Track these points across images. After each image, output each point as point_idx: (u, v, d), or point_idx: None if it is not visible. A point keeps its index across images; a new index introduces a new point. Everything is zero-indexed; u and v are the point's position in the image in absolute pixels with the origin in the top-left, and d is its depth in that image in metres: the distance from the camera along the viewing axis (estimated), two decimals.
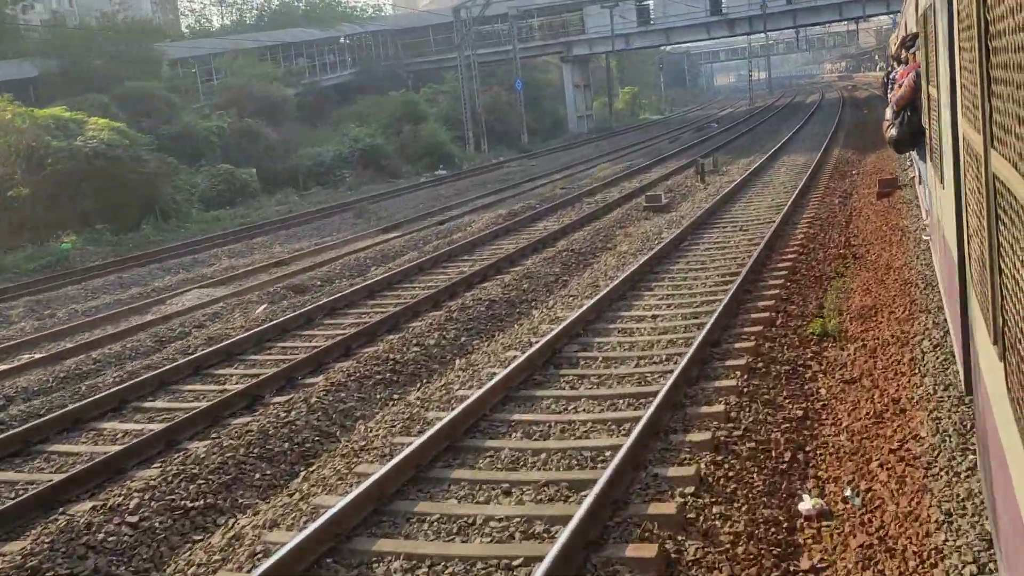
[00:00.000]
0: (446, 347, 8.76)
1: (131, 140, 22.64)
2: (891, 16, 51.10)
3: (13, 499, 6.02)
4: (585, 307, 9.02)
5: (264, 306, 11.32)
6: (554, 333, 8.15)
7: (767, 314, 8.49)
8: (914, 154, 10.30)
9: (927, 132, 6.78)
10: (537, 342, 8.03)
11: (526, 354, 7.58)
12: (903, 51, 8.79)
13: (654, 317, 8.94)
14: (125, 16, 37.36)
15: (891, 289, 8.99)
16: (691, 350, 7.19)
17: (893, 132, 8.20)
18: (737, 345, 7.62)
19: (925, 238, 9.99)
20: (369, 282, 12.45)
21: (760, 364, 7.16)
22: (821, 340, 7.94)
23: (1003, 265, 2.28)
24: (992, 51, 2.17)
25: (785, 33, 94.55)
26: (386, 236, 18.54)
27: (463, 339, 9.00)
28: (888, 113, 8.57)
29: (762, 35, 68.57)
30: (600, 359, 7.77)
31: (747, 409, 6.26)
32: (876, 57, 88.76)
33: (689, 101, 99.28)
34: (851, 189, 17.26)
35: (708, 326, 7.83)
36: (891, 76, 10.27)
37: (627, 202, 18.48)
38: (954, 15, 3.58)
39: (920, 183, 10.18)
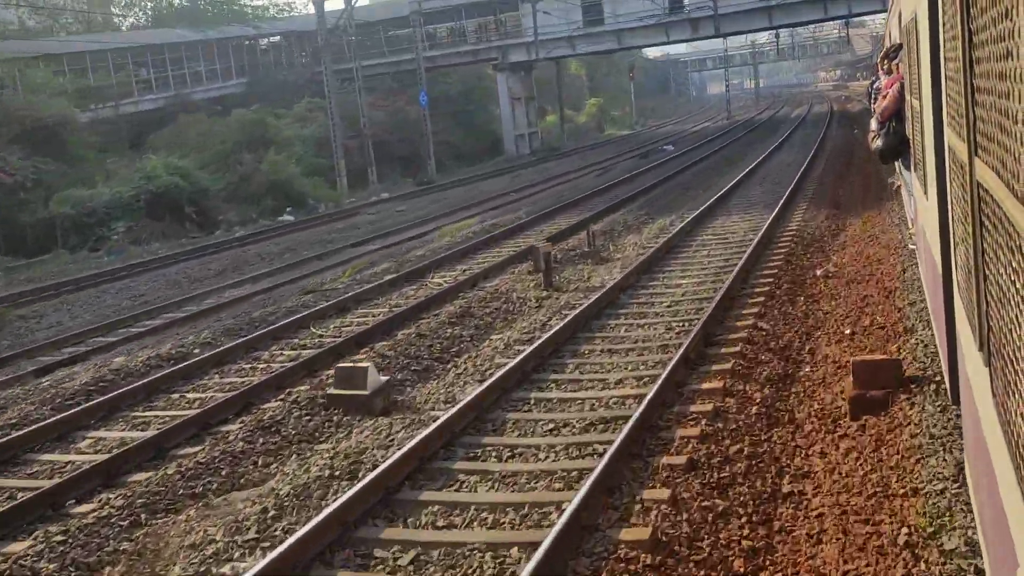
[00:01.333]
0: None
1: None
2: (885, 17, 42.28)
3: None
4: None
5: None
6: None
7: None
8: (898, 164, 9.70)
9: (911, 141, 6.95)
10: None
11: None
12: (887, 61, 8.67)
13: None
14: None
15: None
16: None
17: (879, 143, 8.20)
18: None
19: (911, 247, 9.52)
20: None
21: None
22: None
23: (988, 272, 2.29)
24: (975, 60, 2.20)
25: (775, 40, 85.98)
26: None
27: None
28: (873, 124, 8.58)
29: (749, 41, 59.52)
30: None
31: None
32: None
33: (671, 113, 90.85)
34: (802, 341, 7.95)
35: None
36: (875, 86, 9.74)
37: (348, 350, 9.14)
38: (939, 26, 3.60)
39: (909, 193, 9.30)
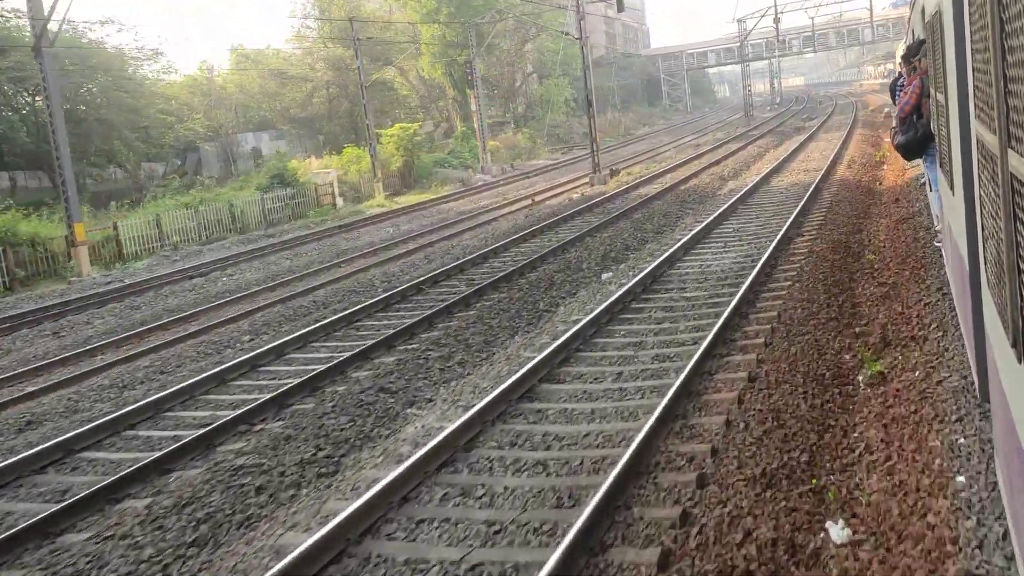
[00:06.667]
0: None
1: None
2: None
3: None
4: None
5: None
6: None
7: None
8: (921, 161, 9.57)
9: (936, 137, 6.94)
10: None
11: None
12: (911, 58, 8.62)
13: None
14: None
15: None
16: None
17: (900, 139, 8.32)
18: None
19: (937, 244, 9.54)
20: None
21: None
22: None
23: (1022, 265, 2.20)
24: (1009, 50, 2.15)
25: (804, 25, 54.73)
26: None
27: None
28: (895, 121, 8.80)
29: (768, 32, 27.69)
30: None
31: None
32: None
33: (615, 137, 57.29)
34: None
35: None
36: (899, 83, 9.46)
37: None
38: (965, 17, 3.55)
39: (931, 190, 9.58)
